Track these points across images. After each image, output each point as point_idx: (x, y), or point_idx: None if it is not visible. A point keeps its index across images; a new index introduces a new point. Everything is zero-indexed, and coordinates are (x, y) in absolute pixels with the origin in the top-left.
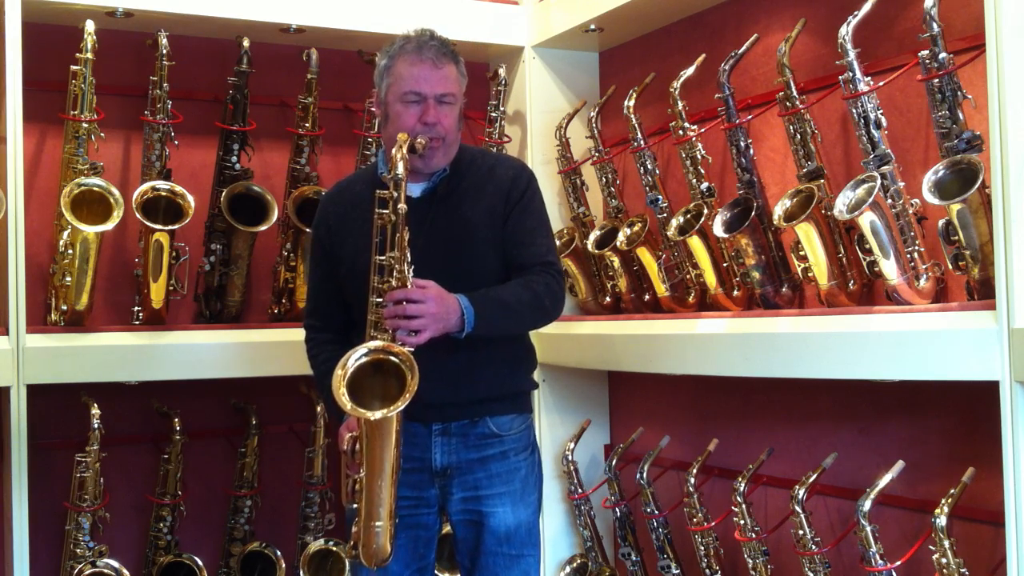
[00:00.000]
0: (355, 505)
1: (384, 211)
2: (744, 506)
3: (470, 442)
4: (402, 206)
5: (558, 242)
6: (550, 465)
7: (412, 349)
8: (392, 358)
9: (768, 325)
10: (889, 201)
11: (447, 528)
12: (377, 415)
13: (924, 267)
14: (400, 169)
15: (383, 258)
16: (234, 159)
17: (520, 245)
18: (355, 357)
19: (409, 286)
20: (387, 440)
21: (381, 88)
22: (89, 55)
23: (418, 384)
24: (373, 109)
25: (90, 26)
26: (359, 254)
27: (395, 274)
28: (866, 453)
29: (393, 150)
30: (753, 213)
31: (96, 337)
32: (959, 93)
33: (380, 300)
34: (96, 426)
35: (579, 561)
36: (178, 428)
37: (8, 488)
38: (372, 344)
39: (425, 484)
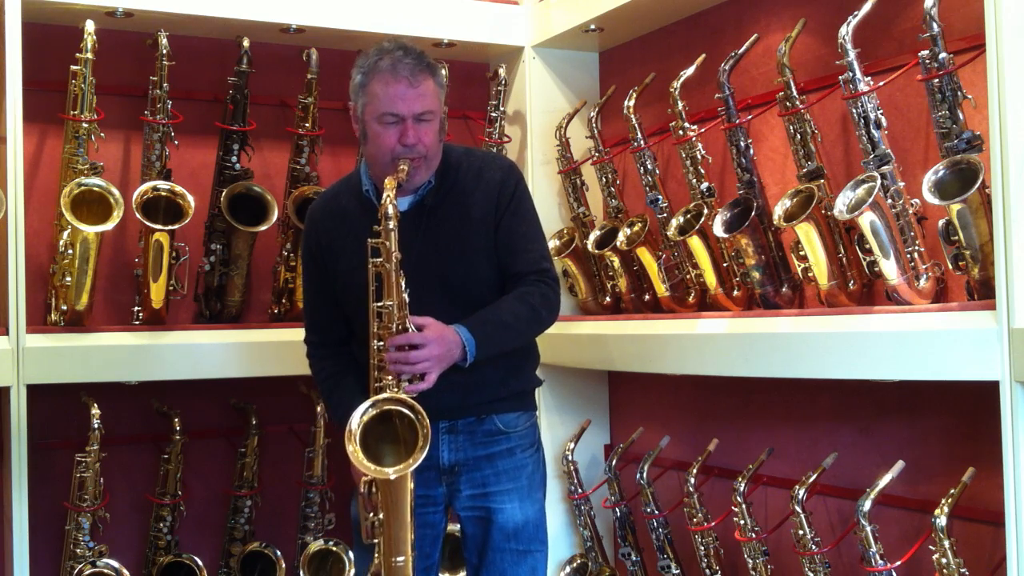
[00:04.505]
0: (375, 541)
1: (378, 260)
2: (744, 506)
3: (477, 439)
4: (396, 255)
5: (558, 242)
6: (550, 465)
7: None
8: (404, 409)
9: (768, 325)
10: (889, 201)
11: (450, 527)
12: (392, 474)
13: (924, 267)
14: (390, 211)
15: (380, 305)
16: (234, 159)
17: (514, 253)
18: (361, 414)
19: (409, 328)
20: (403, 484)
21: (357, 104)
22: (89, 55)
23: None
24: (352, 123)
25: (90, 26)
26: (354, 271)
27: (395, 321)
28: (866, 453)
29: (383, 197)
30: (753, 213)
31: (96, 337)
32: (959, 93)
33: (381, 344)
34: (96, 426)
35: (579, 561)
36: (178, 428)
37: (8, 488)
38: (381, 396)
39: (432, 482)
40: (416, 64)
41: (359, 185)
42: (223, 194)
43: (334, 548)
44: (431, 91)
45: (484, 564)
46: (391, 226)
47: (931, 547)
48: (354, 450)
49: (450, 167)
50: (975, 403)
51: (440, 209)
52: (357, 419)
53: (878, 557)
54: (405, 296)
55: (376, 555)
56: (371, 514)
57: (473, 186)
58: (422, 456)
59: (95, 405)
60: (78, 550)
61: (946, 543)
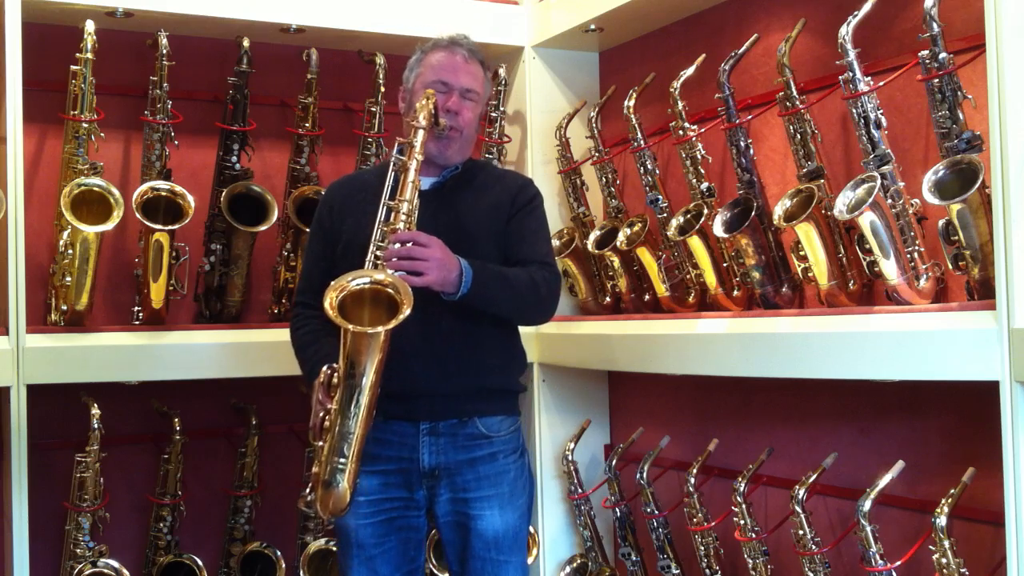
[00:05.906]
0: (321, 443)
1: (401, 157)
2: (744, 506)
3: (459, 443)
4: (419, 156)
5: (558, 242)
6: (550, 465)
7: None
8: (388, 289)
9: (768, 325)
10: (889, 201)
11: None
12: (370, 330)
13: (924, 267)
14: (422, 119)
15: (393, 202)
16: (234, 159)
17: (521, 242)
18: (353, 280)
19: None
20: (368, 367)
21: (410, 78)
22: (89, 55)
23: (409, 364)
24: (399, 104)
25: (90, 26)
26: (358, 230)
27: (402, 218)
28: (866, 453)
29: (418, 104)
30: (753, 213)
31: (96, 337)
32: (959, 93)
33: (383, 244)
34: (96, 426)
35: (579, 561)
36: (178, 428)
37: (8, 488)
38: (373, 273)
39: (414, 485)
40: (473, 49)
41: (387, 166)
42: (223, 194)
43: (334, 548)
44: (480, 75)
45: (466, 572)
46: (421, 122)
47: (931, 547)
48: (331, 305)
49: (476, 166)
50: (975, 403)
51: (457, 194)
52: (353, 282)
53: (878, 557)
54: (417, 202)
55: (316, 463)
56: (326, 405)
57: (492, 184)
58: (404, 315)
59: (95, 405)
60: (78, 550)
61: (946, 543)
